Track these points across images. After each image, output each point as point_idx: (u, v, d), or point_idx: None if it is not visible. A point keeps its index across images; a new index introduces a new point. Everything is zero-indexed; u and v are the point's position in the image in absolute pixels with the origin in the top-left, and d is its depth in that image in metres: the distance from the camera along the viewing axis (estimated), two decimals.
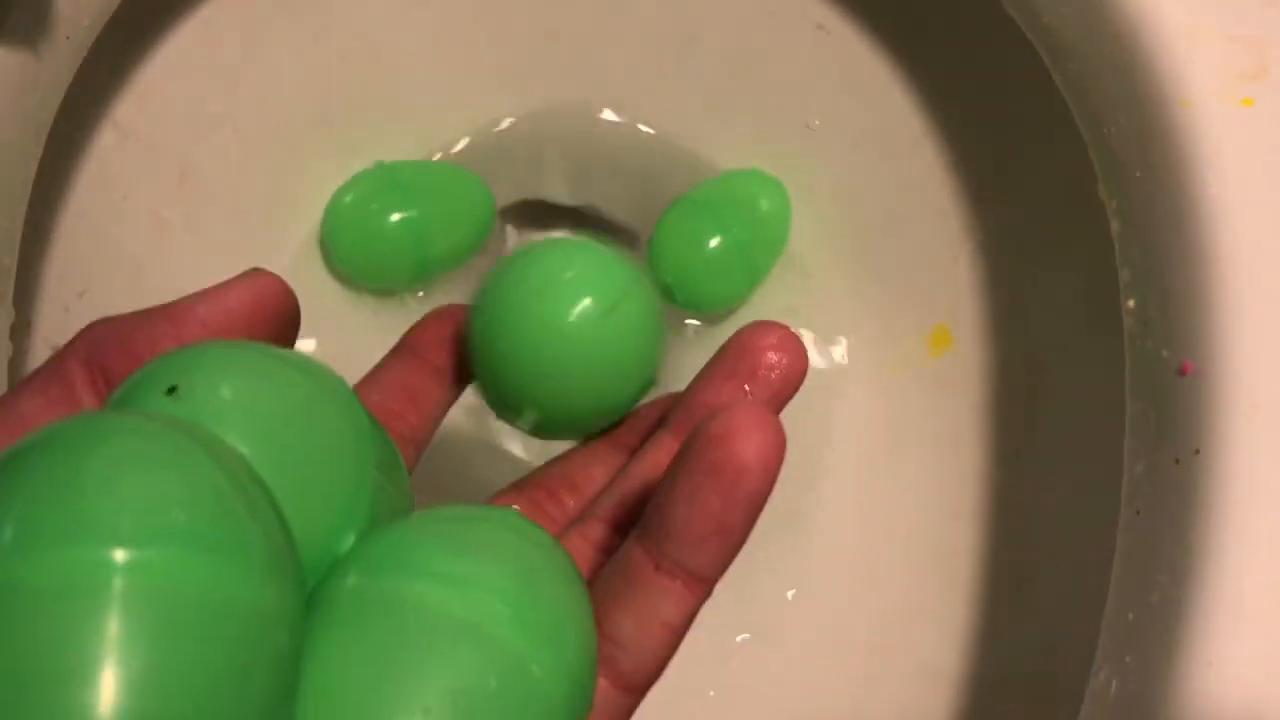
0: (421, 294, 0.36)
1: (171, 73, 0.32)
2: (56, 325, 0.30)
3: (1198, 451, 0.22)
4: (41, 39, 0.24)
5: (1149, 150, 0.25)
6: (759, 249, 0.35)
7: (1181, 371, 0.23)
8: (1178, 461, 0.22)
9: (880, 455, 0.35)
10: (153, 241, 0.33)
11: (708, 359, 0.20)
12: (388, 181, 0.35)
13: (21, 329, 0.28)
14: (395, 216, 0.34)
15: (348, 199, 0.34)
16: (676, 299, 0.35)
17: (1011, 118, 0.33)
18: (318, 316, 0.34)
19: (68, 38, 0.25)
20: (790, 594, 0.34)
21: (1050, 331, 0.33)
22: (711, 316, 0.36)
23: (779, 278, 0.36)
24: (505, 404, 0.20)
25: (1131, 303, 0.25)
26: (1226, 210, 0.23)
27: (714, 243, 0.34)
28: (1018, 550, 0.32)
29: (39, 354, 0.29)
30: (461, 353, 0.21)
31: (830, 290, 0.36)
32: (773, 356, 0.19)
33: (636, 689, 0.17)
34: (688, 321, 0.36)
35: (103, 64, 0.29)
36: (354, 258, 0.35)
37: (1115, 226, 0.26)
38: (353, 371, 0.20)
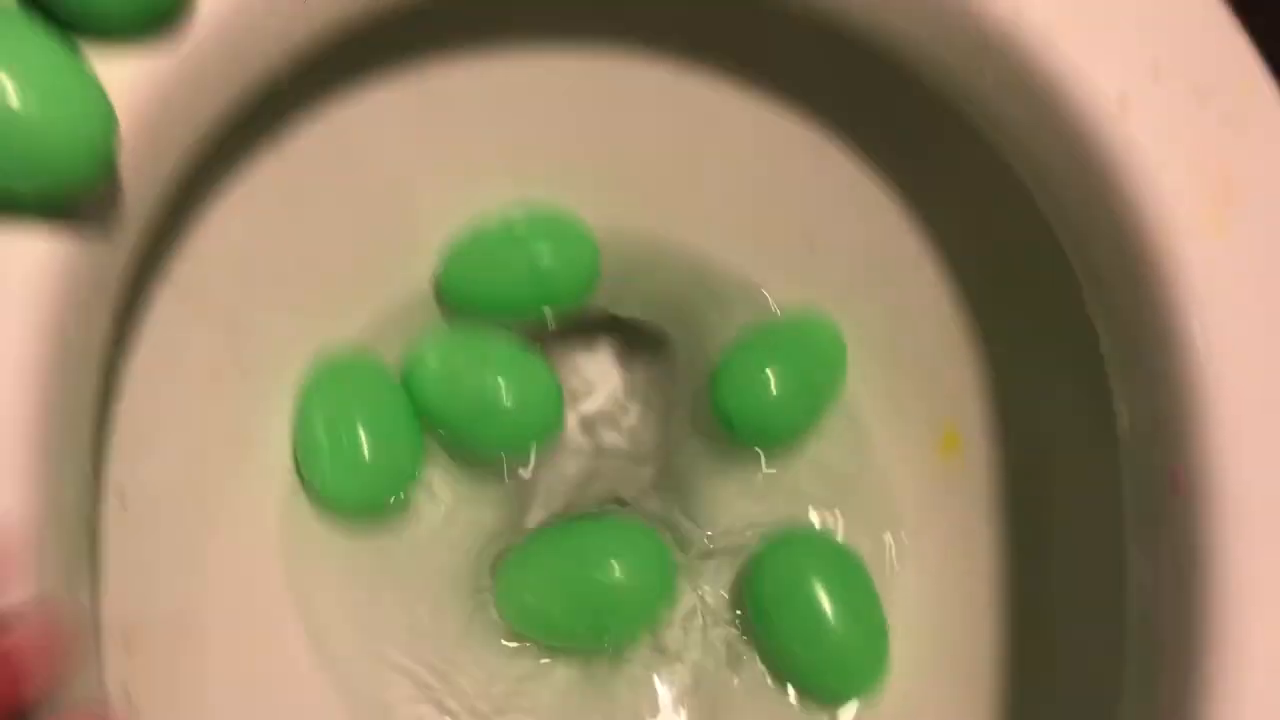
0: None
1: (221, 232, 0.34)
2: (124, 476, 0.32)
3: (1194, 564, 0.23)
4: (112, 228, 0.26)
5: (1131, 276, 0.27)
6: (820, 390, 0.37)
7: (1173, 480, 0.25)
8: (1179, 575, 0.24)
9: (891, 554, 0.37)
10: (208, 393, 0.35)
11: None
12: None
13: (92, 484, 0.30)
14: None
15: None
16: (737, 431, 0.37)
17: (1008, 231, 0.35)
18: None
19: (135, 220, 0.27)
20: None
21: (1057, 434, 0.34)
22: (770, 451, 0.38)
23: None
24: None
25: (1125, 416, 0.27)
26: (1208, 333, 0.25)
27: (781, 381, 0.36)
28: (1033, 648, 0.34)
29: (111, 511, 0.32)
30: None
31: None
32: None
33: None
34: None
35: (159, 228, 0.31)
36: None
37: (1105, 344, 0.28)
38: None
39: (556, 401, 0.38)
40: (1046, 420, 0.35)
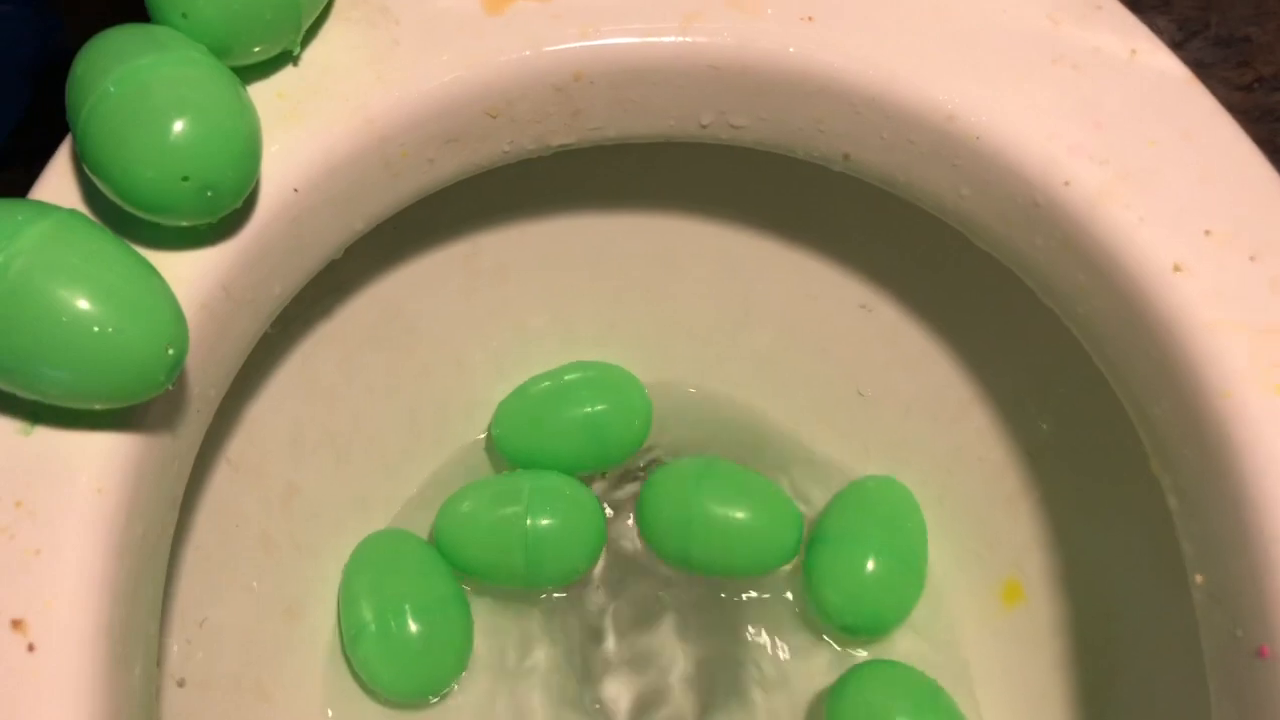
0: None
1: (276, 404, 0.35)
2: (179, 660, 0.32)
3: None
4: (178, 420, 0.27)
5: (1195, 437, 0.27)
6: (913, 566, 0.36)
7: (1259, 654, 0.24)
8: None
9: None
10: (262, 562, 0.35)
11: None
12: None
13: None
14: None
15: None
16: (838, 624, 0.36)
17: (1064, 384, 0.35)
18: None
19: (198, 411, 0.28)
20: None
21: (1120, 584, 0.34)
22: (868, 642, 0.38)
23: None
24: None
25: (1199, 578, 0.27)
26: (1278, 499, 0.25)
27: (875, 564, 0.35)
28: None
29: (168, 690, 0.31)
30: None
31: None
32: None
33: None
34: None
35: (219, 408, 0.31)
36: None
37: (1172, 503, 0.28)
38: None
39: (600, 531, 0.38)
40: (1112, 573, 0.34)
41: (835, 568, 0.35)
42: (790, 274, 0.38)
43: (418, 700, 0.36)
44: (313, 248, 0.30)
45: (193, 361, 0.27)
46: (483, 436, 0.39)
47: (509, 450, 0.38)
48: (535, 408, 0.38)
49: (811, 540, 0.36)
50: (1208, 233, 0.28)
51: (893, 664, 0.35)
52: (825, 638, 0.38)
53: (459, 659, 0.36)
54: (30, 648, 0.22)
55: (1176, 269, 0.27)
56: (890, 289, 0.37)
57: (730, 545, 0.36)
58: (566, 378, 0.38)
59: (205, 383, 0.28)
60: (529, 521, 0.35)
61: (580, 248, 0.38)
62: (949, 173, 0.31)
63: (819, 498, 0.39)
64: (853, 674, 0.35)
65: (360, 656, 0.35)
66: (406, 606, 0.35)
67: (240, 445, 0.34)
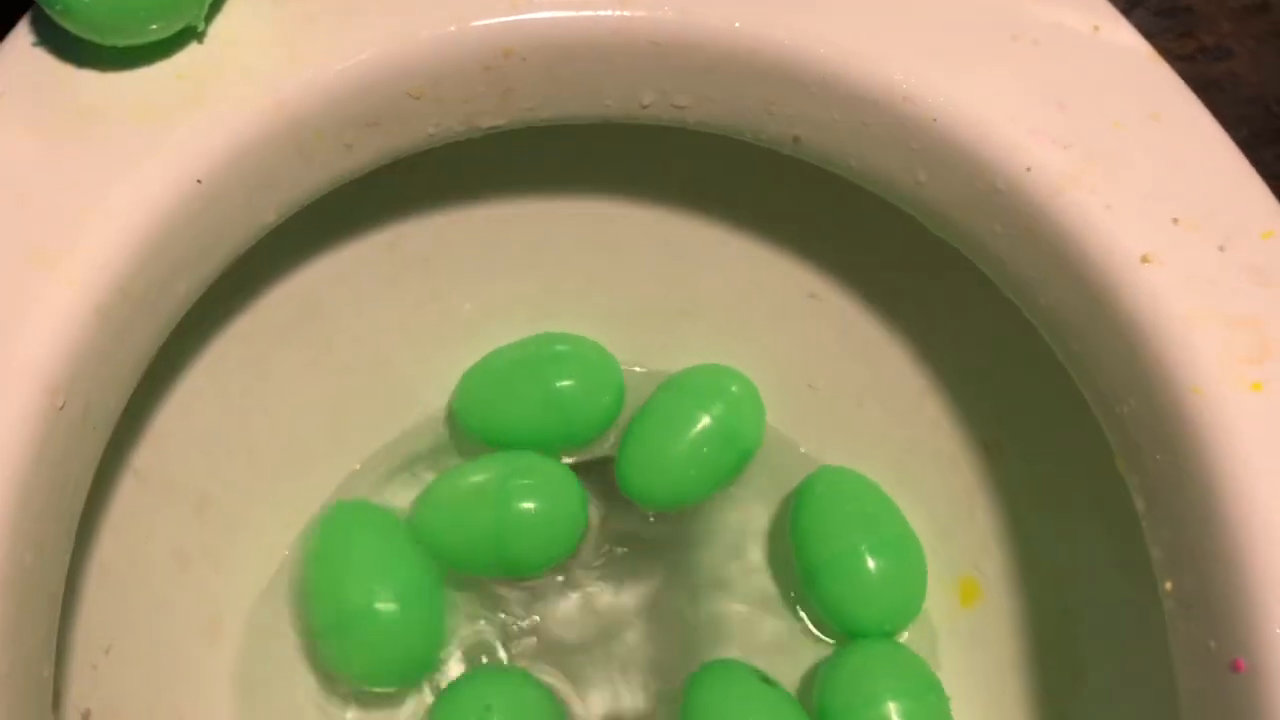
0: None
1: (184, 410, 0.32)
2: (85, 690, 0.29)
3: None
4: (74, 438, 0.24)
5: (1164, 437, 0.25)
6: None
7: (1234, 668, 0.23)
8: None
9: None
10: (175, 580, 0.32)
11: None
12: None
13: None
14: None
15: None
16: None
17: (1014, 371, 0.34)
18: None
19: (96, 427, 0.25)
20: None
21: (1081, 582, 0.33)
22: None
23: None
24: None
25: (1169, 585, 0.26)
26: (1253, 500, 0.23)
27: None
28: None
29: None
30: None
31: None
32: None
33: None
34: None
35: (122, 415, 0.29)
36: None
37: (1139, 504, 0.27)
38: None
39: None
40: (1073, 570, 0.33)
41: (843, 579, 0.34)
42: (736, 262, 0.36)
43: (395, 687, 0.34)
44: (220, 242, 0.27)
45: (88, 370, 0.24)
46: (408, 430, 0.37)
47: (470, 426, 0.36)
48: (499, 381, 0.36)
49: (800, 548, 0.35)
50: (1176, 220, 0.26)
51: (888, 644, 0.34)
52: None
53: (435, 646, 0.34)
54: None
55: (1145, 260, 0.26)
56: (840, 277, 0.36)
57: None
58: (534, 350, 0.36)
59: (104, 393, 0.25)
60: (506, 510, 0.33)
61: (514, 236, 0.36)
62: (905, 157, 0.29)
63: (771, 490, 0.37)
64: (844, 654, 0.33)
65: (334, 645, 0.33)
66: (382, 594, 0.32)
67: (147, 455, 0.32)
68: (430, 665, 0.34)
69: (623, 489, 0.36)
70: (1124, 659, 0.32)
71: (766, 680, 0.33)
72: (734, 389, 0.36)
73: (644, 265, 0.37)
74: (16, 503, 0.22)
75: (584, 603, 0.37)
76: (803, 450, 0.37)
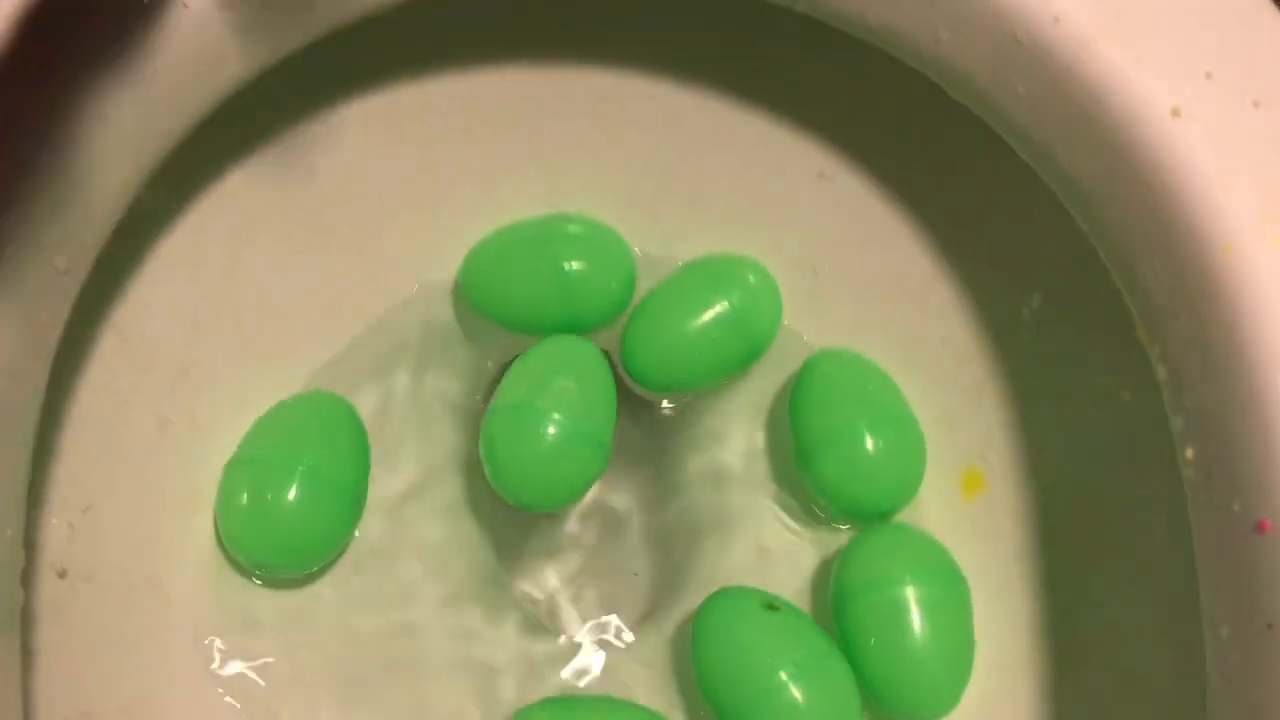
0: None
1: (168, 274, 0.31)
2: (61, 548, 0.29)
3: None
4: (41, 281, 0.23)
5: (1191, 297, 0.24)
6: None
7: (1259, 529, 0.22)
8: (1270, 627, 0.21)
9: None
10: (155, 443, 0.31)
11: None
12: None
13: (26, 553, 0.27)
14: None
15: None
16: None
17: (1028, 252, 0.32)
18: None
19: (65, 273, 0.24)
20: None
21: (1089, 470, 0.32)
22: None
23: None
24: None
25: (1190, 452, 0.25)
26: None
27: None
28: (1076, 700, 0.31)
29: (46, 582, 0.28)
30: None
31: None
32: None
33: None
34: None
35: (103, 270, 0.28)
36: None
37: (1161, 373, 0.26)
38: None
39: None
40: (1082, 461, 0.32)
41: (837, 456, 0.33)
42: (742, 138, 0.35)
43: (288, 574, 0.33)
44: (208, 80, 0.26)
45: (61, 201, 0.23)
46: (399, 307, 0.35)
47: (475, 301, 0.35)
48: (507, 258, 0.34)
49: (796, 428, 0.34)
50: (1209, 75, 0.25)
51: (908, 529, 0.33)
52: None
53: (337, 537, 0.33)
54: None
55: (1175, 114, 0.25)
56: (850, 155, 0.34)
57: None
58: (546, 229, 0.34)
59: (79, 225, 0.24)
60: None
61: (512, 109, 0.35)
62: (926, 11, 0.28)
63: (771, 376, 0.36)
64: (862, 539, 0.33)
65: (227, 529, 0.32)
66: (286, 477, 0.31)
67: (130, 315, 0.31)
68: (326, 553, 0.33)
69: (625, 367, 0.35)
70: (1131, 552, 0.31)
71: (773, 606, 0.32)
72: (752, 279, 0.35)
73: (652, 144, 0.35)
74: None
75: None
76: (805, 338, 0.36)
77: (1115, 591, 0.31)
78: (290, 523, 0.31)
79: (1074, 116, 0.26)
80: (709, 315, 0.34)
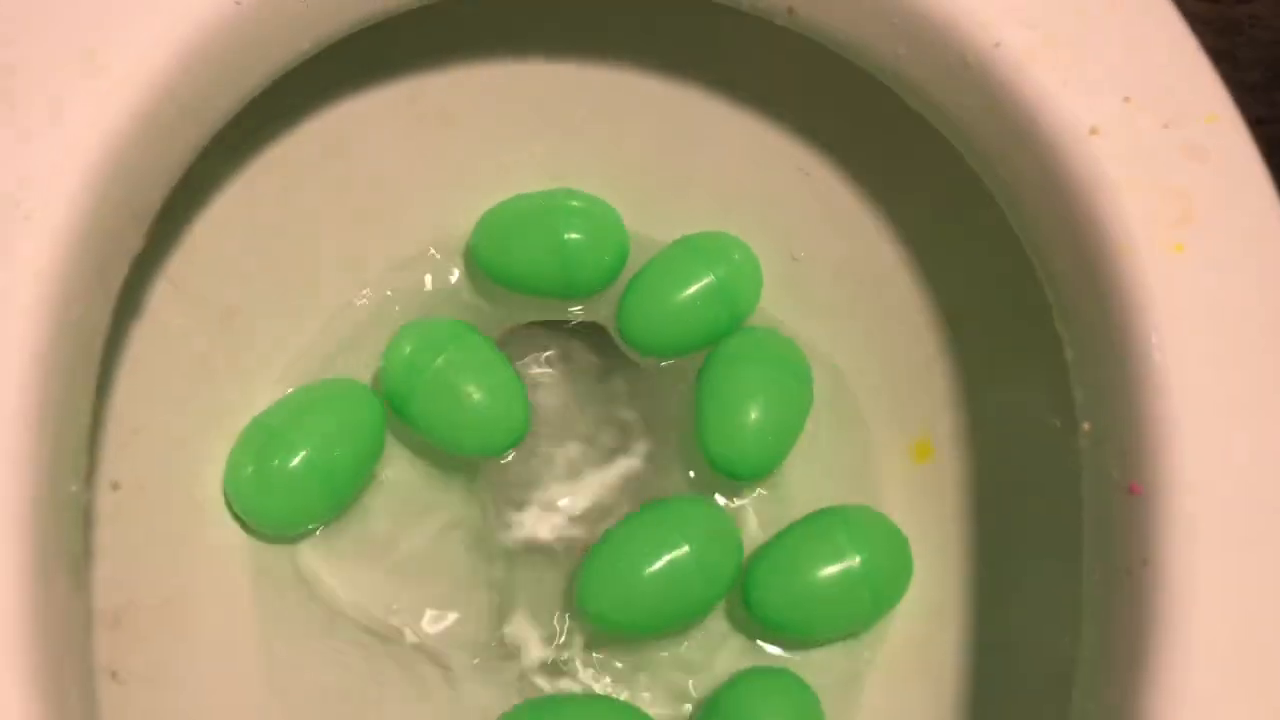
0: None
1: (218, 228, 0.35)
2: (113, 463, 0.33)
3: (1145, 563, 0.25)
4: (119, 221, 0.27)
5: (1094, 290, 0.28)
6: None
7: (1131, 490, 0.26)
8: (1129, 573, 0.25)
9: None
10: (200, 381, 0.36)
11: None
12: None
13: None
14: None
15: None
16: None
17: (982, 249, 0.36)
18: None
19: (137, 215, 0.28)
20: None
21: (1024, 446, 0.36)
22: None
23: None
24: None
25: (1086, 425, 0.28)
26: (1164, 346, 0.26)
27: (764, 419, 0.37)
28: (995, 637, 0.35)
29: (101, 492, 0.32)
30: None
31: (814, 407, 0.39)
32: None
33: None
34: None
35: (158, 226, 0.32)
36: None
37: (1070, 354, 0.29)
38: None
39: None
40: (1018, 435, 0.36)
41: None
42: (734, 136, 0.39)
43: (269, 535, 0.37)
44: (256, 64, 0.30)
45: (135, 164, 0.27)
46: (417, 268, 0.40)
47: (483, 263, 0.39)
48: (513, 226, 0.39)
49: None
50: (1127, 99, 0.29)
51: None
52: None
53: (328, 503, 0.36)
54: None
55: (1093, 132, 0.29)
56: (828, 154, 0.38)
57: None
58: (550, 202, 0.39)
59: (148, 187, 0.28)
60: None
61: (525, 99, 0.39)
62: (888, 30, 0.31)
63: None
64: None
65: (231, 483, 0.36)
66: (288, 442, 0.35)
67: (181, 265, 0.35)
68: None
69: (621, 333, 0.38)
70: (1054, 515, 0.35)
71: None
72: (736, 256, 0.39)
73: (649, 135, 0.39)
74: (65, 262, 0.25)
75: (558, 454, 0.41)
76: (781, 317, 0.40)
77: (1037, 547, 0.35)
78: (279, 492, 0.35)
79: (1009, 130, 0.30)
80: (696, 287, 0.38)
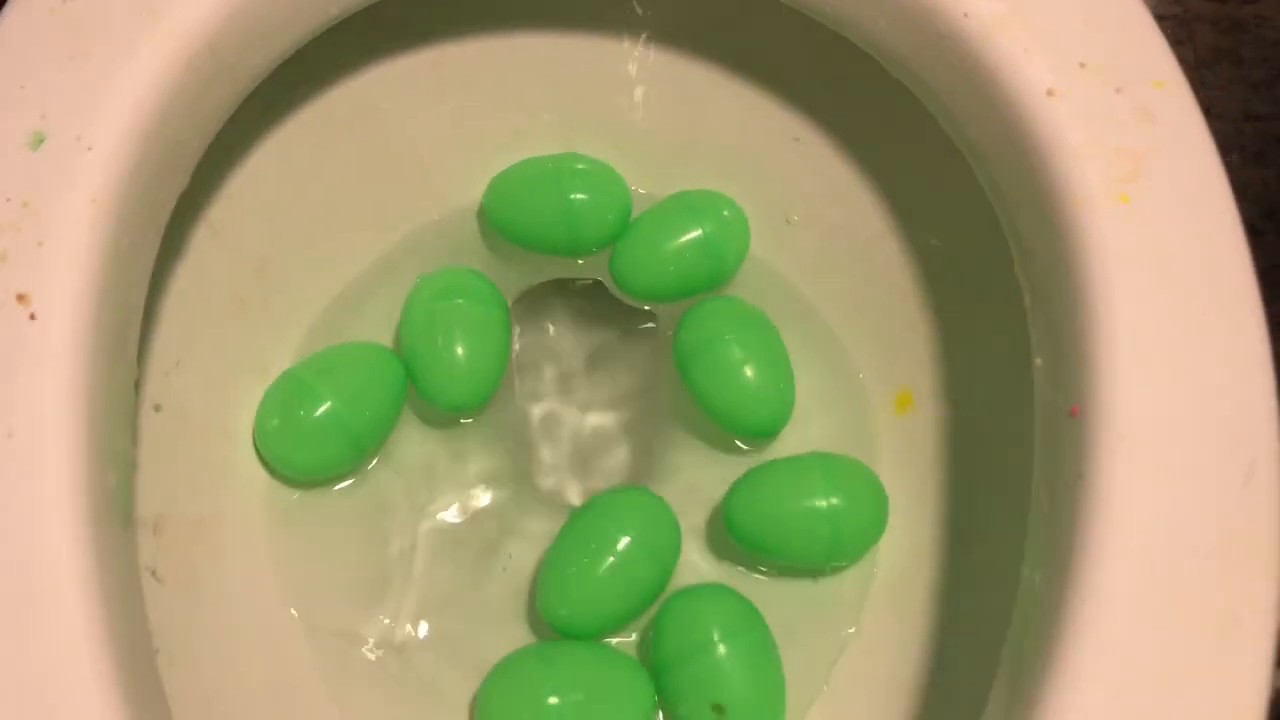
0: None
1: (255, 178, 0.38)
2: (157, 388, 0.36)
3: (1080, 476, 0.27)
4: (165, 162, 0.30)
5: (1049, 239, 0.31)
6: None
7: (1071, 413, 0.29)
8: (1066, 487, 0.28)
9: None
10: (236, 321, 0.39)
11: None
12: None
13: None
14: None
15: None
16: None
17: (958, 211, 0.39)
18: None
19: (181, 158, 0.32)
20: None
21: (999, 398, 0.38)
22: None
23: None
24: None
25: (1039, 361, 0.31)
26: (1104, 286, 0.29)
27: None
28: (967, 575, 0.37)
29: (145, 413, 0.36)
30: None
31: (806, 362, 0.42)
32: None
33: None
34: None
35: (199, 172, 0.35)
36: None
37: (1027, 299, 0.32)
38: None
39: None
40: (993, 388, 0.39)
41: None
42: (732, 106, 0.41)
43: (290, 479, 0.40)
44: (291, 24, 0.33)
45: (180, 109, 0.30)
46: (436, 223, 0.43)
47: (495, 221, 0.42)
48: (523, 186, 0.41)
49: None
50: (1083, 65, 0.31)
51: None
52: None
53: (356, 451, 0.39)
54: (32, 316, 0.26)
55: (1050, 94, 0.31)
56: (821, 123, 0.41)
57: None
58: (558, 164, 0.41)
59: (191, 132, 0.31)
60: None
61: (539, 68, 0.42)
62: (871, 5, 0.34)
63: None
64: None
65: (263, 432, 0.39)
66: (323, 399, 0.38)
67: (220, 212, 0.38)
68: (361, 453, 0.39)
69: (612, 271, 0.41)
70: (1028, 465, 0.37)
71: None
72: (725, 213, 0.41)
73: (652, 106, 0.42)
74: (122, 198, 0.29)
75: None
76: (776, 277, 0.43)
77: (1008, 490, 0.37)
78: (303, 443, 0.38)
79: (975, 93, 0.32)
80: (685, 239, 0.41)
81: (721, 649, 0.35)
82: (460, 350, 0.38)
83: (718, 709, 0.34)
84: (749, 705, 0.35)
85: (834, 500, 0.37)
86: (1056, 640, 0.26)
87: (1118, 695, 0.25)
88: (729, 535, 0.38)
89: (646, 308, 0.44)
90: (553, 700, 0.34)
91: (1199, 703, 0.25)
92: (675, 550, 0.38)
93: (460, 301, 0.39)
